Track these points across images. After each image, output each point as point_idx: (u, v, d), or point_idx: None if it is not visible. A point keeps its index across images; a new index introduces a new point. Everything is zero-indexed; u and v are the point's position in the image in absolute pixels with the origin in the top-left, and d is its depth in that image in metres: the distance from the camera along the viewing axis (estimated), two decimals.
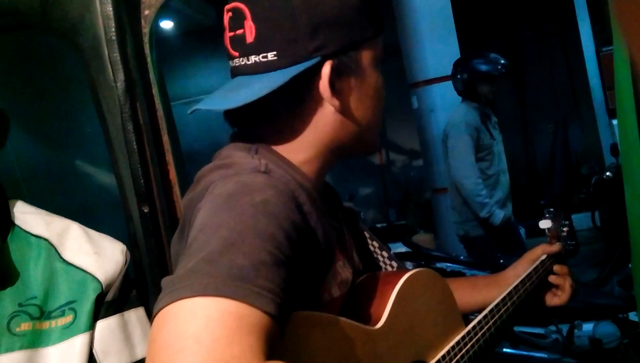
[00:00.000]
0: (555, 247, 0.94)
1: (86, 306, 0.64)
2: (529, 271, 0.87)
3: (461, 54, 3.59)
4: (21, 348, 0.60)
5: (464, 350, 0.69)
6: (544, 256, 0.92)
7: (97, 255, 0.67)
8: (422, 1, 3.66)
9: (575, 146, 4.99)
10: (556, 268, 0.92)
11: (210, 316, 0.40)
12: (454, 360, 0.67)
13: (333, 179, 0.70)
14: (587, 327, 2.06)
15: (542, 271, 0.91)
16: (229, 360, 0.38)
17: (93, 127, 0.84)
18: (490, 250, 2.37)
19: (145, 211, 0.74)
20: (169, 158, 0.79)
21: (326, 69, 0.58)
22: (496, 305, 0.77)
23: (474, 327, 0.72)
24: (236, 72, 0.61)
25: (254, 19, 0.58)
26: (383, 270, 0.77)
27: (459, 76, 2.51)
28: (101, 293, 0.65)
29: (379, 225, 5.68)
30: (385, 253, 0.78)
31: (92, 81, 0.77)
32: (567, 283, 0.90)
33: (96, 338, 0.64)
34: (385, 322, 0.61)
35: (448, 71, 2.67)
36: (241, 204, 0.49)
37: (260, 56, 0.58)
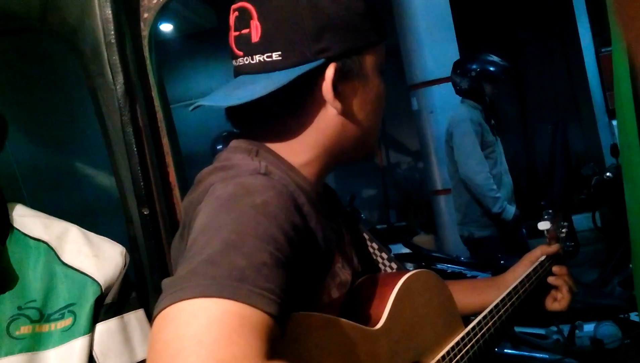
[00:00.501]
0: (554, 248, 0.94)
1: (86, 309, 0.64)
2: (528, 272, 0.87)
3: (460, 56, 3.60)
4: (21, 351, 0.60)
5: (463, 351, 0.69)
6: (542, 257, 0.92)
7: (96, 257, 0.67)
8: (421, 3, 3.67)
9: (575, 147, 4.99)
10: (555, 269, 0.92)
11: (211, 317, 0.40)
12: (454, 361, 0.67)
13: (334, 180, 0.70)
14: (588, 327, 2.06)
15: (541, 272, 0.91)
16: (230, 360, 0.38)
17: (93, 130, 0.84)
18: (495, 251, 2.36)
19: (145, 213, 0.74)
20: (169, 160, 0.79)
21: (330, 71, 0.58)
22: (495, 306, 0.77)
23: (473, 328, 0.72)
24: (240, 71, 0.61)
25: (260, 19, 0.58)
26: (382, 271, 0.77)
27: (463, 76, 2.49)
28: (100, 295, 0.65)
29: (379, 226, 5.67)
30: (384, 255, 0.78)
31: (92, 83, 0.77)
32: (565, 285, 0.90)
33: (96, 340, 0.64)
34: (385, 323, 0.61)
35: (448, 73, 2.67)
36: (241, 206, 0.49)
37: (265, 55, 0.58)
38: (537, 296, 0.91)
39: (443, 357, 0.66)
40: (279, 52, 0.57)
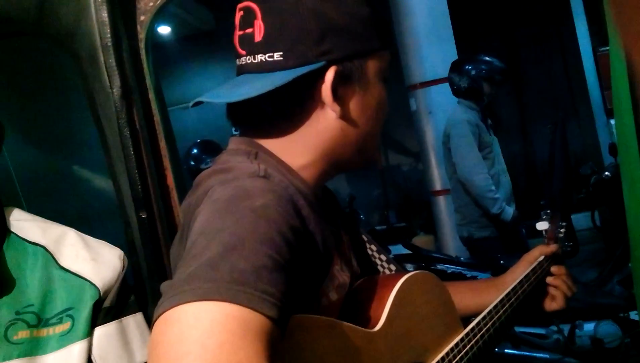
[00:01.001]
0: (552, 248, 0.94)
1: (84, 313, 0.63)
2: (526, 272, 0.88)
3: (459, 56, 3.60)
4: (19, 356, 0.60)
5: (463, 352, 0.69)
6: (541, 258, 0.92)
7: (94, 261, 0.67)
8: (419, 3, 3.67)
9: (573, 146, 4.99)
10: (553, 269, 0.92)
11: (214, 320, 0.39)
12: (454, 362, 0.67)
13: (333, 182, 0.70)
14: (588, 326, 2.06)
15: (540, 273, 0.91)
16: None
17: (90, 133, 0.84)
18: (494, 252, 2.36)
19: (143, 216, 0.74)
20: (166, 163, 0.79)
21: (330, 73, 0.58)
22: (494, 307, 0.77)
23: (472, 329, 0.72)
24: (242, 70, 0.61)
25: (264, 19, 0.58)
26: (381, 273, 0.77)
27: (461, 76, 2.49)
28: (99, 299, 0.65)
29: (379, 227, 5.67)
30: (383, 257, 0.78)
31: (89, 87, 0.77)
32: (564, 285, 0.90)
33: (94, 345, 0.64)
34: (384, 325, 0.61)
35: (446, 73, 2.67)
36: (241, 208, 0.49)
37: (267, 55, 0.58)
38: (536, 296, 0.91)
39: (443, 358, 0.66)
40: (281, 53, 0.58)
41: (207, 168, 0.60)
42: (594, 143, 5.36)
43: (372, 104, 0.62)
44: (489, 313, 0.75)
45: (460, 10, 4.18)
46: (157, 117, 0.79)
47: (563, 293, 0.90)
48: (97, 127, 0.78)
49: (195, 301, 0.40)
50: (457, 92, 2.54)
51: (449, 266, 2.19)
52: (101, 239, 0.71)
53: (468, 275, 2.13)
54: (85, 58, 0.76)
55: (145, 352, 0.67)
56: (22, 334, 0.61)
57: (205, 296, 0.41)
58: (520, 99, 5.96)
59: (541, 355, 1.98)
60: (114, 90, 0.74)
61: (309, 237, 0.56)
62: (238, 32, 0.61)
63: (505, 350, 1.98)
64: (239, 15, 0.61)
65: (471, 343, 0.70)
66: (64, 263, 0.66)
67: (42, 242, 0.67)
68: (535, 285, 0.89)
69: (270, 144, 0.62)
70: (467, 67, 2.49)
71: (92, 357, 0.64)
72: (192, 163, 2.62)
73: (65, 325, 0.63)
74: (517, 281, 0.85)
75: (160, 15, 0.82)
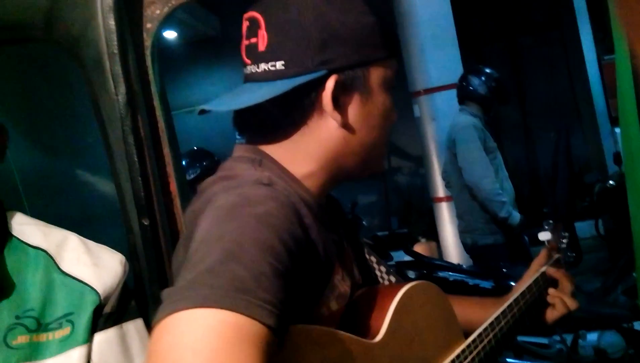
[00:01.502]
0: (544, 257, 0.94)
1: (84, 319, 0.63)
2: (528, 283, 0.88)
3: (463, 63, 3.61)
4: (18, 361, 0.60)
5: None
6: (544, 268, 0.92)
7: (95, 266, 0.67)
8: (423, 10, 3.69)
9: (577, 155, 4.97)
10: (551, 291, 0.92)
11: (209, 327, 0.40)
12: None
13: (336, 187, 0.70)
14: (592, 336, 2.04)
15: (543, 283, 0.91)
16: None
17: (94, 139, 0.85)
18: (498, 259, 2.35)
19: (146, 223, 0.74)
20: (170, 170, 0.79)
21: (330, 82, 0.58)
22: (496, 318, 0.77)
23: (474, 340, 0.71)
24: (247, 79, 0.62)
25: (267, 29, 0.59)
26: (382, 283, 0.76)
27: (482, 82, 2.49)
28: (99, 305, 0.65)
29: (380, 233, 5.66)
30: (383, 268, 0.77)
31: (94, 93, 0.78)
32: (565, 291, 0.90)
33: (94, 350, 0.64)
34: (384, 335, 0.60)
35: (449, 80, 2.69)
36: (243, 215, 0.49)
37: (270, 64, 0.59)
38: (539, 306, 0.90)
39: None
40: (283, 62, 0.58)
41: (195, 177, 0.61)
42: (598, 151, 5.34)
43: (375, 113, 0.62)
44: (490, 324, 0.75)
45: (465, 17, 4.19)
46: (161, 125, 0.80)
47: (563, 302, 0.89)
48: (101, 133, 0.79)
49: (192, 308, 0.41)
50: (468, 95, 2.53)
51: (450, 273, 2.19)
52: (103, 243, 0.71)
53: (470, 283, 2.12)
54: (91, 65, 0.77)
55: (144, 358, 0.67)
56: (22, 339, 0.61)
57: (203, 304, 0.41)
58: (523, 107, 5.95)
59: None
60: (119, 97, 0.75)
61: (311, 246, 0.56)
62: (244, 42, 0.62)
63: (508, 360, 1.96)
64: (245, 25, 0.62)
65: (472, 354, 0.70)
66: (65, 267, 0.66)
67: (43, 246, 0.67)
68: (538, 295, 0.88)
69: (274, 152, 0.62)
70: (492, 75, 2.52)
71: None
72: None
73: (65, 330, 0.63)
74: (519, 292, 0.85)
75: (166, 22, 0.83)
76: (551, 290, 0.90)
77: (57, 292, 0.64)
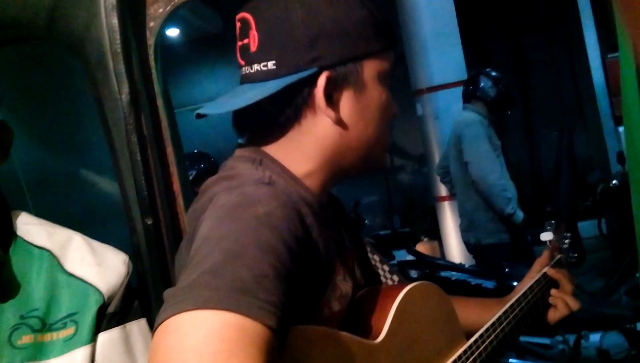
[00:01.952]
0: (547, 258, 0.94)
1: (88, 319, 0.63)
2: (530, 284, 0.88)
3: (466, 62, 3.60)
4: (22, 361, 0.60)
5: None
6: (545, 269, 0.92)
7: (99, 266, 0.67)
8: (426, 8, 3.68)
9: (580, 154, 4.96)
10: (554, 291, 0.91)
11: (211, 329, 0.40)
12: None
13: (338, 185, 0.70)
14: (594, 337, 2.04)
15: (545, 284, 0.90)
16: None
17: (97, 138, 0.85)
18: (501, 258, 2.35)
19: (149, 223, 0.74)
20: (173, 169, 0.79)
21: (322, 79, 0.58)
22: (498, 318, 0.77)
23: (475, 341, 0.71)
24: (243, 80, 0.62)
25: (257, 29, 0.59)
26: (384, 284, 0.76)
27: (495, 85, 2.52)
28: (103, 304, 0.65)
29: (383, 232, 5.66)
30: (386, 267, 0.77)
31: (97, 92, 0.78)
32: (566, 291, 0.90)
33: (98, 350, 0.64)
34: (386, 336, 0.60)
35: (452, 78, 2.69)
36: (244, 216, 0.49)
37: (262, 64, 0.59)
38: (541, 307, 0.90)
39: None
40: (274, 61, 0.58)
41: (191, 180, 0.61)
42: (602, 150, 5.32)
43: (371, 108, 0.62)
44: (492, 324, 0.75)
45: (468, 15, 4.18)
46: (164, 123, 0.80)
47: (565, 303, 0.89)
48: (104, 133, 0.79)
49: (194, 309, 0.41)
50: (478, 95, 2.53)
51: (453, 273, 2.18)
52: (107, 241, 0.71)
53: (472, 283, 2.12)
54: (94, 64, 0.77)
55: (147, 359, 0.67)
56: (26, 339, 0.61)
57: (204, 305, 0.41)
58: (527, 105, 5.93)
59: None
60: (123, 96, 0.75)
61: (312, 246, 0.56)
62: (238, 43, 0.62)
63: (510, 360, 1.96)
64: (237, 26, 0.62)
65: (474, 355, 0.70)
66: (69, 267, 0.66)
67: (47, 246, 0.67)
68: (540, 296, 0.88)
69: (274, 152, 0.62)
70: (499, 79, 2.55)
71: None
72: None
73: (69, 330, 0.63)
74: (521, 292, 0.84)
75: (169, 20, 0.82)
76: (553, 291, 0.90)
77: (61, 292, 0.64)
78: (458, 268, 2.27)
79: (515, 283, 0.96)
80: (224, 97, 0.62)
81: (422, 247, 4.09)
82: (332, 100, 0.59)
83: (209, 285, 0.42)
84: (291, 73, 0.57)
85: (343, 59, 0.59)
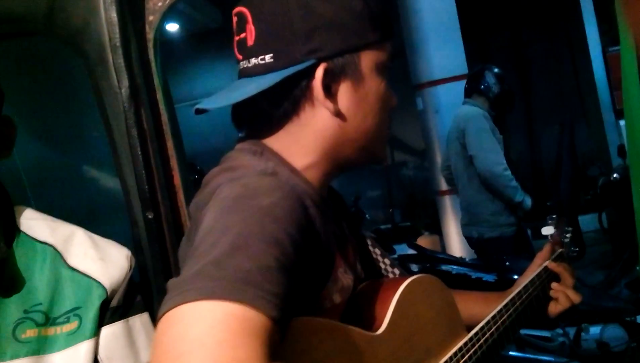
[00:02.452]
0: (548, 252, 0.94)
1: (91, 313, 0.64)
2: (532, 277, 0.88)
3: (466, 56, 3.58)
4: (27, 355, 0.60)
5: (466, 356, 0.68)
6: (546, 263, 0.92)
7: (102, 260, 0.67)
8: (426, 2, 3.66)
9: (581, 147, 4.94)
10: (554, 285, 0.92)
11: (214, 319, 0.40)
12: None
13: (338, 180, 0.70)
14: (595, 330, 2.05)
15: (545, 277, 0.91)
16: None
17: (98, 132, 0.85)
18: (503, 252, 2.35)
19: (150, 217, 0.74)
20: (173, 163, 0.79)
21: (319, 71, 0.58)
22: (499, 311, 0.77)
23: (476, 333, 0.71)
24: (241, 75, 0.62)
25: (254, 22, 0.59)
26: (385, 277, 0.76)
27: (499, 82, 2.52)
28: (106, 299, 0.66)
29: (383, 226, 5.67)
30: (387, 260, 0.77)
31: (97, 86, 0.78)
32: (567, 285, 0.90)
33: (101, 344, 0.64)
34: (386, 328, 0.60)
35: (453, 73, 2.68)
36: (248, 207, 0.49)
37: (259, 58, 0.59)
38: (542, 300, 0.91)
39: (446, 362, 0.66)
40: (271, 55, 0.58)
41: None
42: (603, 144, 5.31)
43: (369, 99, 0.61)
44: (493, 317, 0.75)
45: (468, 9, 4.15)
46: (164, 117, 0.80)
47: (566, 296, 0.90)
48: (105, 127, 0.79)
49: (198, 300, 0.41)
50: (482, 90, 2.53)
51: (454, 267, 2.19)
52: (109, 237, 0.72)
53: (473, 277, 2.12)
54: (94, 58, 0.76)
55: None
56: (30, 333, 0.61)
57: (208, 295, 0.41)
58: (527, 99, 5.91)
59: (546, 358, 1.98)
60: (122, 90, 0.75)
61: (315, 237, 0.56)
62: (235, 38, 0.62)
63: (510, 353, 1.97)
64: (234, 21, 0.61)
65: (475, 347, 0.70)
66: (72, 262, 0.67)
67: (50, 241, 0.67)
68: (541, 289, 0.89)
69: (274, 145, 0.62)
70: (503, 77, 2.55)
71: (98, 357, 0.64)
72: None
73: (73, 325, 0.63)
74: (522, 285, 0.85)
75: (168, 14, 0.82)
76: (554, 284, 0.91)
77: (64, 287, 0.65)
78: (459, 262, 2.28)
79: (515, 277, 0.96)
80: (222, 92, 0.62)
81: (423, 241, 4.10)
82: (330, 92, 0.59)
83: (213, 275, 0.42)
84: (289, 66, 0.57)
85: (340, 50, 0.58)
